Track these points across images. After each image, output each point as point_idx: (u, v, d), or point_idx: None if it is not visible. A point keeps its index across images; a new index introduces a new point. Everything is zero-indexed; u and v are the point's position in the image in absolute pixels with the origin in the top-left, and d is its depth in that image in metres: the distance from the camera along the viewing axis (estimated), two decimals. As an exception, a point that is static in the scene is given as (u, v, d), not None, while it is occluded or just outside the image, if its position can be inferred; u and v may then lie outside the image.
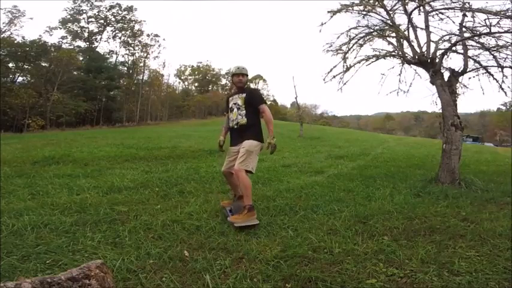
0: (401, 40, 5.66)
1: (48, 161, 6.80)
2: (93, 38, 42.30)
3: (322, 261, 2.26)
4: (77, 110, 33.83)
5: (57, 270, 2.02)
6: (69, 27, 39.76)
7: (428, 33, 5.32)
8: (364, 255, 2.36)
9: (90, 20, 41.02)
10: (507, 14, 4.58)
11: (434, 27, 5.48)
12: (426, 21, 5.33)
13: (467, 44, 5.48)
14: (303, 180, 5.31)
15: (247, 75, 3.45)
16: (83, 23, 40.76)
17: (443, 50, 5.39)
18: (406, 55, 5.58)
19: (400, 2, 5.45)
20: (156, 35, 46.22)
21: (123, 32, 43.42)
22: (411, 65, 5.77)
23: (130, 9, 42.78)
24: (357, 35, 5.93)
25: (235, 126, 3.31)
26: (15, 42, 30.91)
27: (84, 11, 40.29)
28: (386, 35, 5.87)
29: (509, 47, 5.11)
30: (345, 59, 5.98)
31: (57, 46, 35.91)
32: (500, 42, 5.13)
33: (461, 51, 5.52)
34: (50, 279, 1.28)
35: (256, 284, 1.97)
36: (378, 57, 5.85)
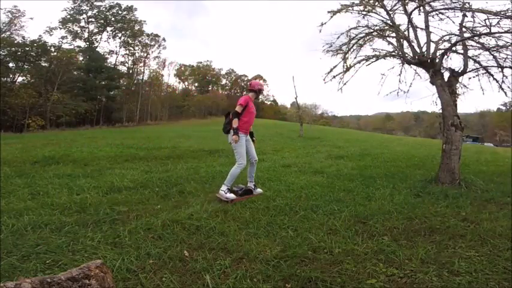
0: (401, 40, 5.65)
1: (48, 161, 6.80)
2: (93, 38, 42.31)
3: (322, 261, 2.26)
4: (77, 110, 33.81)
5: (57, 270, 2.02)
6: (69, 27, 39.73)
7: (428, 33, 5.31)
8: (364, 255, 2.36)
9: (90, 20, 41.01)
10: (507, 14, 4.58)
11: (434, 27, 5.48)
12: (426, 21, 5.32)
13: (467, 44, 5.47)
14: (303, 180, 5.31)
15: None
16: (83, 23, 40.79)
17: (443, 50, 5.39)
18: (406, 55, 5.58)
19: (400, 2, 5.45)
20: (156, 35, 46.34)
21: (123, 32, 43.41)
22: (411, 65, 5.77)
23: (130, 9, 42.81)
24: (356, 35, 5.93)
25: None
26: (15, 42, 30.90)
27: (84, 11, 40.29)
28: (386, 35, 5.87)
29: (509, 47, 5.10)
30: (345, 59, 5.97)
31: (57, 46, 35.89)
32: (500, 43, 5.12)
33: (461, 51, 5.52)
34: (50, 279, 1.28)
35: (256, 284, 1.97)
36: (378, 57, 5.84)
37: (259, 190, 4.30)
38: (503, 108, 51.01)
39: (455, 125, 5.02)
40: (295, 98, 23.13)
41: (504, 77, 5.44)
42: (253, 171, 4.26)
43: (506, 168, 8.07)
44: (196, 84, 62.60)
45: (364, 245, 2.56)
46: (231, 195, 3.86)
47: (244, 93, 4.54)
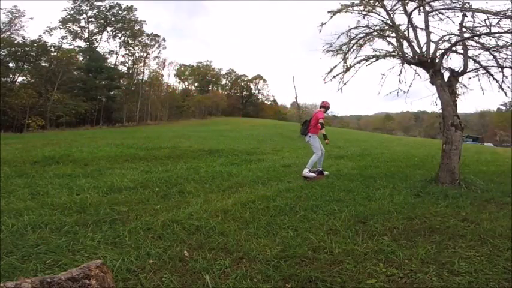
0: (402, 40, 5.65)
1: (48, 161, 6.80)
2: (93, 38, 42.27)
3: (322, 261, 2.26)
4: (77, 110, 33.78)
5: (57, 270, 2.02)
6: (69, 27, 39.69)
7: (428, 33, 5.31)
8: (364, 255, 2.36)
9: (90, 20, 40.98)
10: (507, 14, 4.58)
11: (434, 27, 5.47)
12: (426, 21, 5.32)
13: (467, 44, 5.47)
14: (303, 180, 5.31)
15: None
16: (83, 23, 40.75)
17: (443, 50, 5.39)
18: (406, 55, 5.57)
19: (400, 2, 5.45)
20: (156, 35, 46.32)
21: (123, 32, 43.39)
22: (411, 65, 5.76)
23: (130, 9, 42.77)
24: (356, 35, 5.92)
25: None
26: (15, 42, 30.89)
27: (84, 11, 40.25)
28: (386, 35, 5.86)
29: (509, 47, 5.10)
30: (345, 59, 5.97)
31: (57, 46, 35.86)
32: (500, 43, 5.12)
33: (461, 51, 5.51)
34: (50, 279, 1.28)
35: (256, 284, 1.97)
36: (378, 57, 5.84)
37: (326, 172, 5.90)
38: (503, 108, 51.02)
39: (455, 125, 5.02)
40: (295, 98, 23.06)
41: (504, 77, 5.45)
42: (321, 159, 5.84)
43: (506, 168, 8.07)
44: (196, 84, 62.51)
45: (364, 245, 2.56)
46: (312, 174, 5.54)
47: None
